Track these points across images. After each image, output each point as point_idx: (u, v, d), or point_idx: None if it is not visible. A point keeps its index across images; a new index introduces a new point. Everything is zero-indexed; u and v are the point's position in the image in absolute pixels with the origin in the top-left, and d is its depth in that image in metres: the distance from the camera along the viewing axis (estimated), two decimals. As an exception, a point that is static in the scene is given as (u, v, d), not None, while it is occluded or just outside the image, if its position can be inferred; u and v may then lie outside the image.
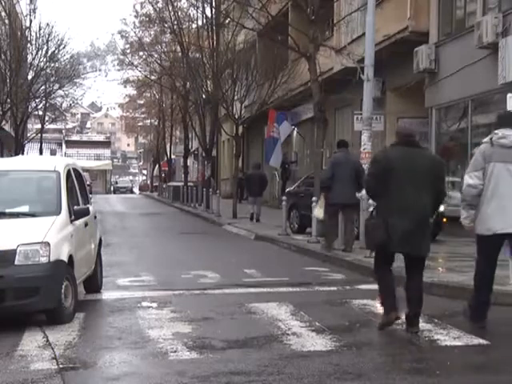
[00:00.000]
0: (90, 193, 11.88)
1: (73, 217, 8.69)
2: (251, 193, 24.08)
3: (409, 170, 7.12)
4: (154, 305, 9.09)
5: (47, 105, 43.24)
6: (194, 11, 34.84)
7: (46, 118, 46.55)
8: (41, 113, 45.35)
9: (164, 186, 50.71)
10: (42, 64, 37.25)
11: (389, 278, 7.44)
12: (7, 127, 38.24)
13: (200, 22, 33.80)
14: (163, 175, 60.53)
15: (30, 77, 37.71)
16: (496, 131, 7.35)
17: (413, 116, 21.69)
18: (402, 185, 7.10)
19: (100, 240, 10.71)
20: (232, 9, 30.10)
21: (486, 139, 7.39)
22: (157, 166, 66.41)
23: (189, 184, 38.58)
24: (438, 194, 7.31)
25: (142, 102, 62.55)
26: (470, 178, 7.30)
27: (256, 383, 5.58)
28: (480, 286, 7.53)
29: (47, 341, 7.07)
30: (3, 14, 35.09)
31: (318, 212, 14.03)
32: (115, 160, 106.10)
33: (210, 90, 30.89)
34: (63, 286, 7.91)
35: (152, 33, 42.09)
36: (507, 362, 6.24)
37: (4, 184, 9.15)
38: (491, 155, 7.21)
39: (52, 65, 38.45)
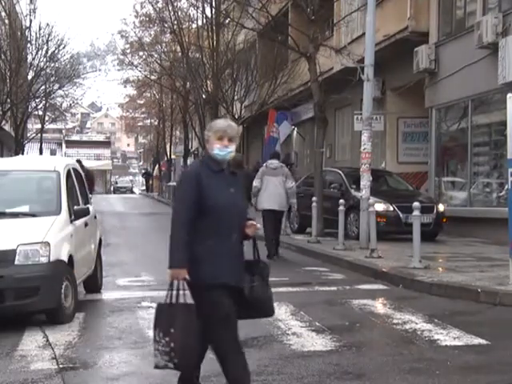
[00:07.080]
0: (90, 193, 11.87)
1: (73, 217, 8.69)
2: None
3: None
4: (154, 305, 9.02)
5: (47, 105, 43.24)
6: (194, 11, 34.91)
7: (46, 118, 46.56)
8: (41, 113, 45.35)
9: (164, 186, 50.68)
10: (41, 64, 37.20)
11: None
12: (7, 127, 38.21)
13: (200, 22, 33.86)
14: (159, 174, 60.55)
15: (30, 77, 37.66)
16: (269, 160, 14.13)
17: (413, 116, 21.70)
18: None
19: (100, 240, 10.70)
20: (232, 9, 30.14)
21: (264, 165, 14.29)
22: (157, 166, 66.39)
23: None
24: (247, 191, 12.77)
25: (142, 102, 62.46)
26: (255, 182, 13.89)
27: (256, 383, 5.57)
28: (267, 238, 13.86)
29: (47, 341, 7.07)
30: (3, 14, 35.09)
31: None
32: (115, 160, 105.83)
33: (209, 89, 30.91)
34: (63, 286, 7.91)
35: (152, 33, 42.05)
36: (507, 362, 6.23)
37: (4, 184, 9.14)
38: (266, 172, 13.93)
39: (52, 65, 38.37)
